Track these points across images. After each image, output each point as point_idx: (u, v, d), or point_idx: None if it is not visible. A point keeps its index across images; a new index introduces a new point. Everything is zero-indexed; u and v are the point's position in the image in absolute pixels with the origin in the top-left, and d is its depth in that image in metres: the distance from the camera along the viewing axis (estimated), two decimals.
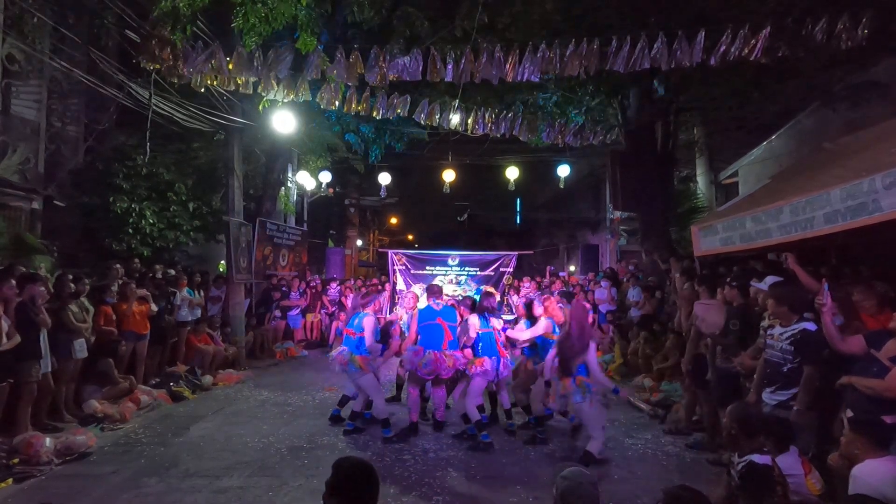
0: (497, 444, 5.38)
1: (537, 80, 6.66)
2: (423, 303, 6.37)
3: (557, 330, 5.53)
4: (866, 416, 2.93)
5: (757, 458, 2.72)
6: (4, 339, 4.83)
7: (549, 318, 5.63)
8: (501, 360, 5.68)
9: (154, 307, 7.25)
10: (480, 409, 5.56)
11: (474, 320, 5.64)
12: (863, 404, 3.12)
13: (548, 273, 14.01)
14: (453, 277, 13.44)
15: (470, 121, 8.90)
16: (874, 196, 3.31)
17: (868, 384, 3.11)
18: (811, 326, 3.68)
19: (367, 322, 5.70)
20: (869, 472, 2.62)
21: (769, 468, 2.67)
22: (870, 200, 3.34)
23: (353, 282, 13.22)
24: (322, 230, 19.82)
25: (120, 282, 7.11)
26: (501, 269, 13.87)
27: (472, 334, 5.58)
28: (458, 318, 5.81)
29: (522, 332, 5.73)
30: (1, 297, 4.92)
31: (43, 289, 5.43)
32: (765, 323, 4.30)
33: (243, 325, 9.63)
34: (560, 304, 5.89)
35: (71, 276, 6.20)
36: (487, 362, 5.51)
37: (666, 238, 10.14)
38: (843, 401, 3.50)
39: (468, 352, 5.63)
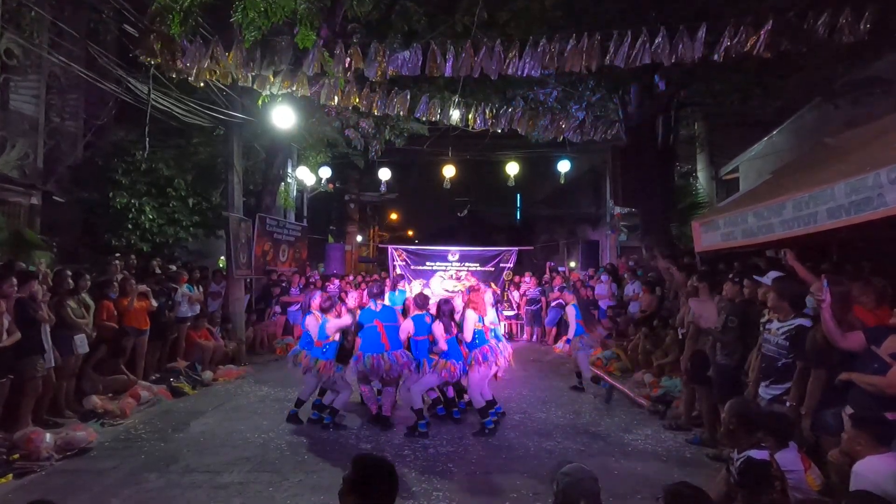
0: (497, 440, 5.39)
1: (538, 75, 6.63)
2: (426, 293, 6.35)
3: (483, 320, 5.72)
4: (867, 413, 2.92)
5: (755, 453, 2.72)
6: (5, 336, 4.82)
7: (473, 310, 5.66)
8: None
9: (154, 303, 7.24)
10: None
11: (439, 329, 5.55)
12: (863, 401, 3.10)
13: (548, 269, 13.99)
14: (453, 273, 13.41)
15: (470, 116, 8.87)
16: (879, 191, 3.29)
17: (869, 381, 3.10)
18: (807, 323, 3.70)
19: (329, 325, 5.65)
20: (870, 469, 2.62)
21: (767, 463, 2.66)
22: (875, 195, 3.33)
23: (352, 278, 13.20)
24: (322, 226, 19.80)
25: (120, 277, 7.10)
26: (502, 265, 13.88)
27: (443, 345, 5.52)
28: (400, 318, 5.87)
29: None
30: (1, 294, 4.91)
31: (38, 285, 5.40)
32: (764, 319, 4.30)
33: (243, 321, 9.62)
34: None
35: (70, 272, 6.19)
36: (455, 366, 5.53)
37: (666, 234, 10.13)
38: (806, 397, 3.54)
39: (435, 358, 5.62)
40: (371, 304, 5.90)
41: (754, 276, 4.73)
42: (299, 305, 6.09)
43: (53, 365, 5.58)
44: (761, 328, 4.31)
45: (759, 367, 4.12)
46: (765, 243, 5.20)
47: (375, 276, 13.73)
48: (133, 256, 8.53)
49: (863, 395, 3.14)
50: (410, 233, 32.97)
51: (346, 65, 6.47)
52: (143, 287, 7.13)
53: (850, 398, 3.21)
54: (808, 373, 3.61)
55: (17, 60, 8.76)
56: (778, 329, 3.85)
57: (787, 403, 3.69)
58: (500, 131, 9.43)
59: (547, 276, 13.38)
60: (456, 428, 5.74)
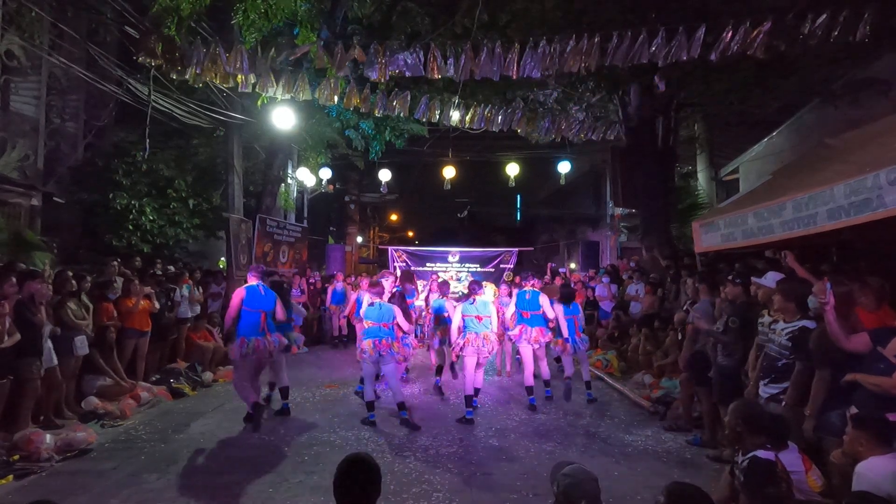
0: (496, 440, 5.39)
1: (538, 76, 6.63)
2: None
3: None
4: (872, 414, 2.92)
5: (761, 453, 2.72)
6: (6, 337, 4.81)
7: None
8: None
9: (157, 305, 7.26)
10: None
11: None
12: (868, 402, 3.10)
13: (549, 270, 13.99)
14: (454, 274, 13.44)
15: (469, 117, 8.88)
16: (878, 192, 3.29)
17: (875, 381, 3.10)
18: (811, 324, 3.71)
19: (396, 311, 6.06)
20: (872, 469, 2.62)
21: (773, 463, 2.66)
22: (874, 196, 3.32)
23: (353, 279, 13.19)
24: (322, 227, 19.82)
25: (121, 279, 7.11)
26: (502, 266, 13.89)
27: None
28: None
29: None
30: (2, 295, 4.91)
31: (42, 285, 5.40)
32: (764, 319, 4.31)
33: None
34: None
35: (71, 273, 6.19)
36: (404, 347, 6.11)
37: (667, 234, 10.13)
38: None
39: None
40: (260, 288, 5.78)
41: (753, 278, 4.73)
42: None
43: (54, 364, 5.58)
44: (760, 327, 4.32)
45: (760, 365, 4.13)
46: (765, 244, 5.20)
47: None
48: (138, 259, 8.52)
49: (868, 396, 3.14)
50: (411, 233, 33.01)
51: (349, 60, 6.45)
52: (147, 289, 7.15)
53: (855, 399, 3.21)
54: (805, 373, 3.62)
55: (17, 62, 8.78)
56: (783, 330, 3.87)
57: (783, 403, 3.72)
58: (498, 132, 9.45)
59: (548, 276, 13.37)
60: (457, 429, 5.74)
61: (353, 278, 12.89)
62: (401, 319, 5.96)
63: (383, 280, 6.65)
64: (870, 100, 7.74)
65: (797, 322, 3.79)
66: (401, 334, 6.06)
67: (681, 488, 2.11)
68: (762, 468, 2.65)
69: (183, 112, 8.88)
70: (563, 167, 14.04)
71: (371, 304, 5.96)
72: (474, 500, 4.09)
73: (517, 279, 13.65)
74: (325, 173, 14.72)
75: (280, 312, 5.91)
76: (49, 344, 5.51)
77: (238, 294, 5.75)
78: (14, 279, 5.07)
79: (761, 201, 4.84)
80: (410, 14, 8.53)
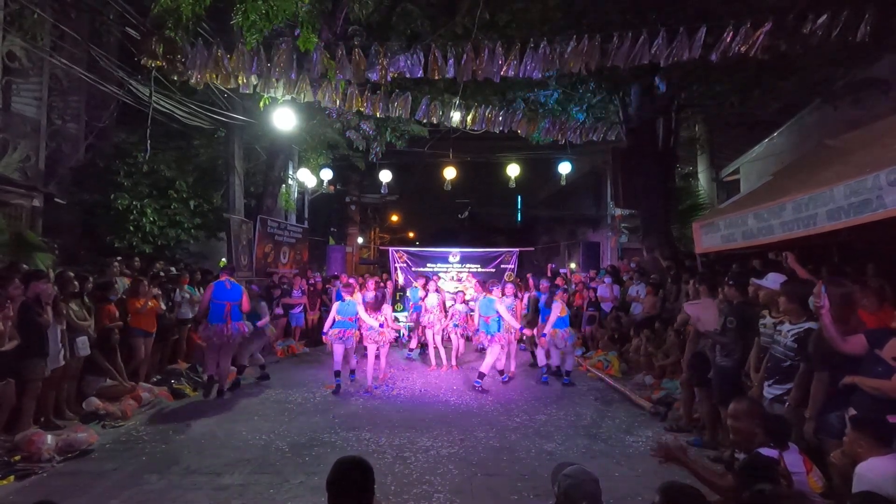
0: (498, 442, 5.39)
1: (539, 77, 6.64)
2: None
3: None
4: (870, 416, 2.91)
5: (764, 450, 2.72)
6: (6, 340, 4.82)
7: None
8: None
9: (162, 306, 7.28)
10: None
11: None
12: (867, 404, 3.09)
13: (549, 270, 13.98)
14: (454, 274, 13.43)
15: (469, 118, 8.88)
16: (878, 192, 3.30)
17: (873, 384, 3.09)
18: (816, 326, 3.70)
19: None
20: (872, 470, 2.61)
21: (774, 461, 2.66)
22: (874, 197, 3.33)
23: (354, 279, 13.22)
24: (323, 228, 19.83)
25: (124, 279, 7.12)
26: (503, 266, 13.88)
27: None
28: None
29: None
30: (7, 297, 4.91)
31: (48, 285, 5.40)
32: (766, 320, 4.31)
33: None
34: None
35: (73, 274, 6.20)
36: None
37: (667, 235, 10.13)
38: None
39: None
40: (226, 282, 7.01)
41: (752, 279, 4.73)
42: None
43: (61, 363, 5.60)
44: (763, 329, 4.32)
45: (765, 366, 4.13)
46: (765, 245, 5.20)
47: (377, 278, 13.72)
48: (137, 259, 8.54)
49: (867, 398, 3.13)
50: (411, 234, 33.04)
51: (352, 71, 6.47)
52: (155, 290, 7.18)
53: (854, 401, 3.21)
54: (810, 375, 3.61)
55: (19, 63, 8.79)
56: (788, 331, 3.86)
57: (787, 404, 3.72)
58: (498, 133, 9.45)
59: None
60: (458, 429, 5.75)
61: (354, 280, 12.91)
62: (361, 313, 7.38)
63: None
64: (870, 100, 7.75)
65: (803, 324, 3.77)
66: (366, 324, 7.40)
67: (675, 487, 2.12)
68: (761, 463, 2.65)
69: (184, 113, 8.90)
70: (564, 168, 14.05)
71: (342, 301, 7.43)
72: (475, 501, 4.09)
73: (517, 279, 13.67)
74: (326, 174, 14.74)
75: (245, 304, 7.12)
76: (58, 344, 5.51)
77: (208, 289, 7.04)
78: (18, 281, 5.08)
79: (761, 202, 4.86)
80: (411, 15, 8.54)
